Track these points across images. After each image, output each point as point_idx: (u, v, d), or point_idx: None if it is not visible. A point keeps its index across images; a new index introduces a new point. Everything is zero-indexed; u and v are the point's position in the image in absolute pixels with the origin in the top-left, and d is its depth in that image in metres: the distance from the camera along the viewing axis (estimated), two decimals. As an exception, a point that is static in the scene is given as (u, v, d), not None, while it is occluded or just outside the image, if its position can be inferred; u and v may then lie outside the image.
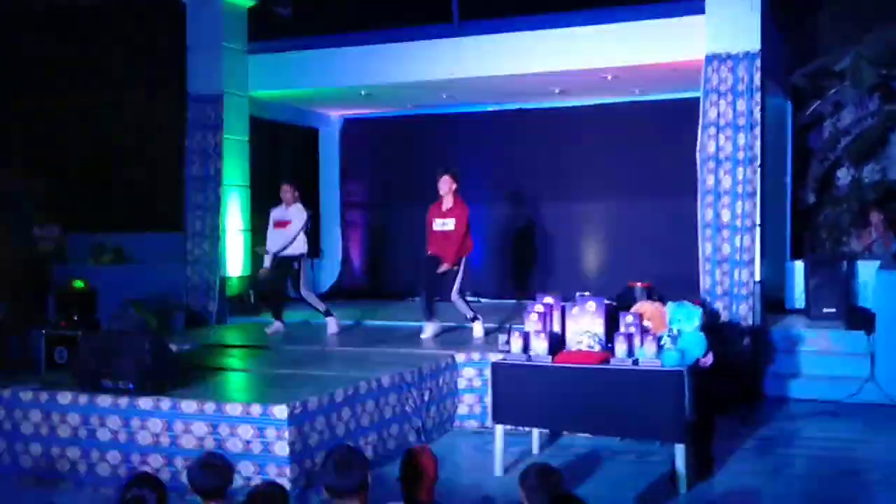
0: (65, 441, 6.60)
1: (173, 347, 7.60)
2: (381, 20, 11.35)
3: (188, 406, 6.29)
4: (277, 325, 10.00)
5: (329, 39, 11.45)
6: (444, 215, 9.17)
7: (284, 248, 9.77)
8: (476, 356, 8.16)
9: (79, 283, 10.44)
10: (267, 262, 9.97)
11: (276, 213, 10.03)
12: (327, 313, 9.98)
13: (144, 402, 6.39)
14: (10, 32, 14.50)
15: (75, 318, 9.93)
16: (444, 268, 8.99)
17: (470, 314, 9.27)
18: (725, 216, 9.26)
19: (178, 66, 11.49)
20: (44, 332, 9.88)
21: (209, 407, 6.24)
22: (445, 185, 9.19)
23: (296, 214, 9.87)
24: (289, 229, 9.80)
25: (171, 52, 11.74)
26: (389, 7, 11.70)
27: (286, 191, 9.95)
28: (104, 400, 6.50)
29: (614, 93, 11.79)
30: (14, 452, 6.77)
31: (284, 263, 9.85)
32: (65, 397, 6.63)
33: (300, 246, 9.83)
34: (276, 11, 12.04)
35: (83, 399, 6.57)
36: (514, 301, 11.54)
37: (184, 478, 6.06)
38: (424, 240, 9.36)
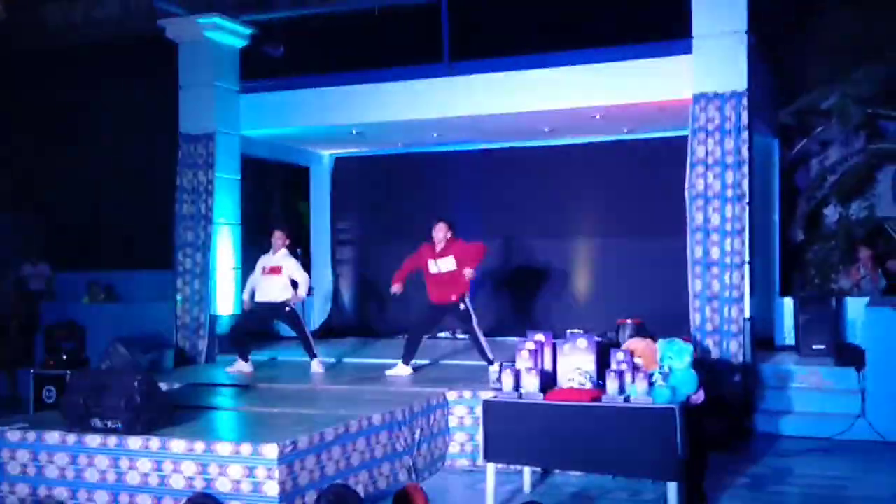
0: (53, 481, 6.52)
1: (163, 386, 7.55)
2: (372, 60, 11.45)
3: (177, 445, 6.23)
4: (243, 364, 9.89)
5: (320, 79, 11.55)
6: (440, 255, 9.14)
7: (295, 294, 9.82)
8: (467, 394, 8.14)
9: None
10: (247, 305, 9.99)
11: (264, 260, 9.98)
12: (314, 355, 9.97)
13: (133, 442, 6.34)
14: (3, 72, 14.58)
15: (64, 357, 9.89)
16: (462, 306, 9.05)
17: (490, 356, 9.16)
18: (715, 253, 9.31)
19: (171, 105, 11.55)
20: (32, 371, 9.86)
21: (199, 446, 6.19)
22: (441, 232, 9.15)
23: (285, 261, 9.85)
24: (283, 275, 9.78)
25: (163, 92, 11.81)
26: (380, 47, 11.82)
27: (278, 237, 9.93)
28: (93, 439, 6.44)
29: (603, 132, 11.88)
30: (1, 493, 6.69)
31: (275, 307, 9.84)
32: (53, 437, 6.56)
33: (286, 292, 9.80)
34: (268, 52, 12.15)
35: (72, 438, 6.51)
36: (504, 338, 11.51)
37: (173, 518, 6.08)
38: (415, 279, 9.36)
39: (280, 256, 9.89)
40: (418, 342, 9.37)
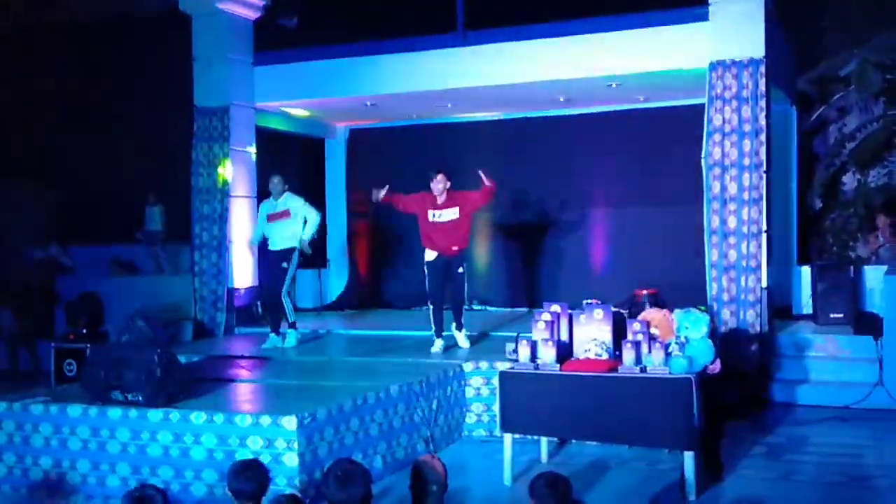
0: (75, 454, 6.62)
1: (182, 359, 7.62)
2: (386, 31, 11.38)
3: (197, 418, 6.31)
4: (276, 338, 9.79)
5: (334, 51, 11.49)
6: (443, 206, 8.97)
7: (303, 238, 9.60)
8: (484, 365, 8.17)
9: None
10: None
11: (267, 207, 9.87)
12: (293, 325, 9.82)
13: (154, 415, 6.42)
14: (19, 48, 14.61)
15: (84, 330, 9.98)
16: (460, 269, 9.01)
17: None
18: (732, 222, 9.27)
19: (185, 79, 11.55)
20: (53, 344, 9.96)
21: (218, 418, 6.26)
22: (440, 184, 8.95)
23: (292, 201, 9.69)
24: (294, 218, 9.61)
25: (178, 65, 11.80)
26: (394, 18, 11.75)
27: (276, 183, 9.75)
28: (114, 412, 6.52)
29: (619, 100, 11.80)
30: (24, 465, 6.79)
31: (278, 259, 9.64)
32: (75, 410, 6.65)
33: (295, 238, 9.58)
34: (282, 23, 12.10)
35: (93, 411, 6.59)
36: (521, 309, 11.55)
37: (193, 489, 6.17)
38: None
39: (285, 199, 9.70)
40: (440, 309, 9.10)
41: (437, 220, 8.99)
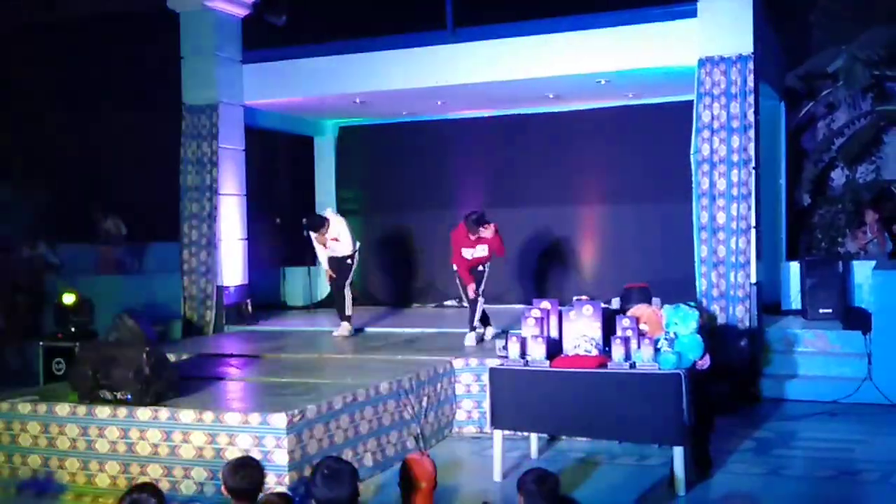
0: (63, 453, 6.59)
1: (171, 357, 7.59)
2: (375, 28, 11.36)
3: (186, 416, 6.29)
4: (345, 325, 10.20)
5: (323, 48, 11.47)
6: (475, 244, 9.16)
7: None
8: (474, 362, 8.18)
9: (68, 295, 10.40)
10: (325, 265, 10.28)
11: (317, 238, 10.15)
12: (349, 318, 10.24)
13: (143, 413, 6.39)
14: (7, 45, 14.53)
15: (72, 329, 9.93)
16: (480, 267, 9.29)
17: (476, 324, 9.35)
18: (721, 218, 9.29)
19: (173, 77, 11.51)
20: (41, 343, 9.91)
21: (207, 416, 6.24)
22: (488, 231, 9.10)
23: (336, 229, 10.02)
24: (339, 241, 10.04)
25: (166, 63, 11.76)
26: (383, 15, 11.73)
27: (308, 223, 10.17)
28: (102, 411, 6.50)
29: (608, 97, 11.81)
30: (12, 465, 6.76)
31: (342, 260, 10.10)
32: (63, 409, 6.63)
33: (350, 246, 10.07)
34: (270, 20, 12.06)
35: (82, 410, 6.56)
36: (511, 306, 11.55)
37: (183, 487, 6.15)
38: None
39: (330, 228, 10.00)
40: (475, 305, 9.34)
41: (471, 257, 9.20)
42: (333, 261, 10.15)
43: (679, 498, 6.10)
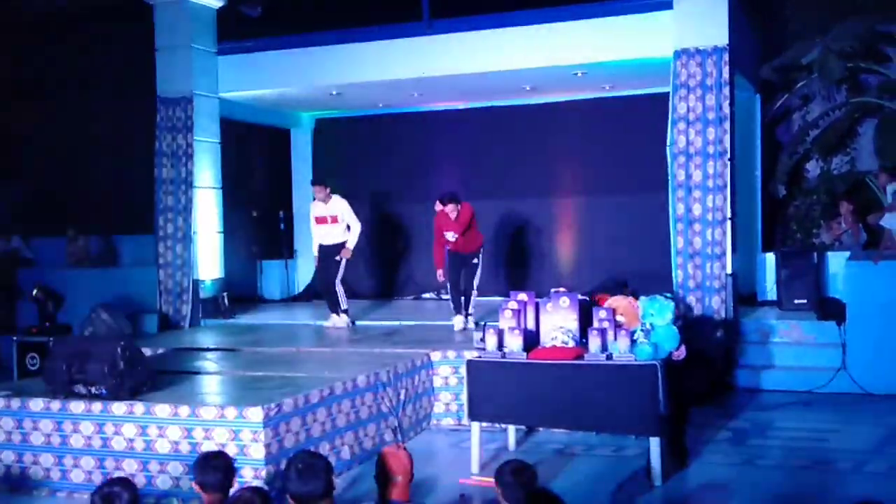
0: (38, 448, 6.53)
1: (147, 351, 7.54)
2: (351, 19, 11.31)
3: (162, 410, 6.24)
4: (335, 318, 10.23)
5: (298, 39, 11.41)
6: (450, 227, 9.50)
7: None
8: (451, 354, 8.17)
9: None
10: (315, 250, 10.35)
11: (316, 210, 10.27)
12: (346, 311, 10.30)
13: (118, 408, 6.34)
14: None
15: (47, 324, 9.85)
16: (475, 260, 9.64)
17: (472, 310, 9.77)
18: (697, 210, 9.33)
19: (147, 68, 11.41)
20: (15, 338, 9.83)
21: (183, 411, 6.20)
22: (454, 211, 9.43)
23: (339, 207, 10.12)
24: (338, 222, 10.13)
25: (140, 54, 11.66)
26: (359, 6, 11.67)
27: (318, 190, 10.20)
28: (77, 406, 6.44)
29: (585, 89, 11.84)
30: (-14, 461, 6.70)
31: (331, 253, 10.14)
32: (37, 404, 6.56)
33: (344, 235, 10.14)
34: (245, 12, 11.99)
35: (56, 405, 6.50)
36: (488, 298, 11.54)
37: (158, 482, 6.11)
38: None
39: (332, 203, 10.12)
40: (457, 292, 9.74)
41: (454, 239, 9.57)
42: (323, 250, 10.16)
43: (655, 488, 6.13)
